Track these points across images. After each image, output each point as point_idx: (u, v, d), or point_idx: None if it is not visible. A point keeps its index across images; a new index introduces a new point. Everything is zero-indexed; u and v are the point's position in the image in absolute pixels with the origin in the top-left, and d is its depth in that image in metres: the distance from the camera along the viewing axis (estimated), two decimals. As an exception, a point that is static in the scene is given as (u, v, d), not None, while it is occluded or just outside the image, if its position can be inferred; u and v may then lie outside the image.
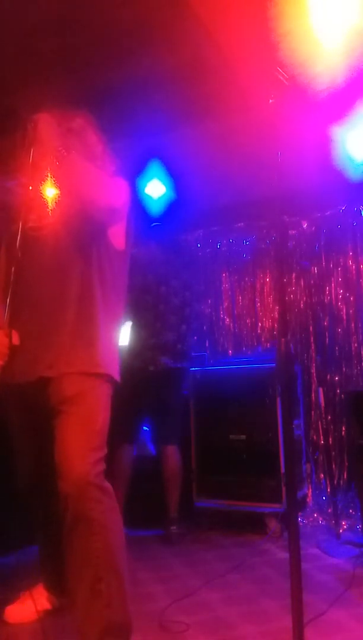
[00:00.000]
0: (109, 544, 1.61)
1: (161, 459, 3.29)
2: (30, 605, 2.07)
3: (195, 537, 3.26)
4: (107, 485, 1.67)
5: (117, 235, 1.93)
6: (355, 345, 3.91)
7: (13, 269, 1.74)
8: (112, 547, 1.62)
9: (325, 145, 3.34)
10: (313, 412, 3.88)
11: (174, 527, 3.19)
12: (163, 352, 3.30)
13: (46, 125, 1.79)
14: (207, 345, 4.48)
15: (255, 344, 4.30)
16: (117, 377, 1.87)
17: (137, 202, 3.57)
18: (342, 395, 3.82)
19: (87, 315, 1.82)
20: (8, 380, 1.76)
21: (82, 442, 1.66)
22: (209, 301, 4.53)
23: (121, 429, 3.01)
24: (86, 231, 1.83)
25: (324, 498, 3.63)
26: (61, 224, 1.83)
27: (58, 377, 1.75)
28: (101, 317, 1.84)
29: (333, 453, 3.77)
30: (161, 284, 3.40)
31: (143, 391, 3.22)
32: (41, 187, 1.83)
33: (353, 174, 3.66)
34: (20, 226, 1.76)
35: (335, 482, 3.62)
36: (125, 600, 1.62)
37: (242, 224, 4.45)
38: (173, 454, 3.28)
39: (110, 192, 1.84)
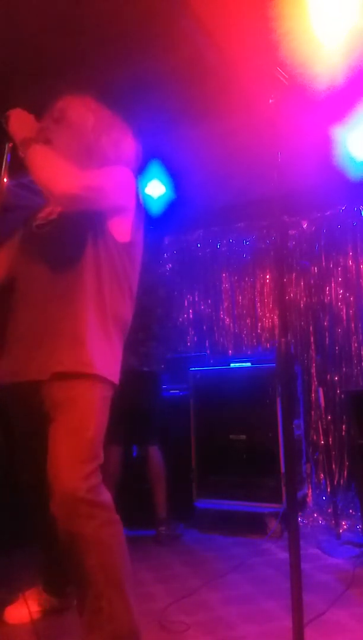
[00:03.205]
0: (105, 560, 1.56)
1: (144, 460, 3.27)
2: (29, 606, 2.08)
3: (195, 537, 3.26)
4: (103, 497, 1.61)
5: (121, 227, 1.83)
6: (355, 345, 3.91)
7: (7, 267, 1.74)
8: (110, 562, 1.57)
9: (325, 145, 3.34)
10: (313, 412, 3.88)
11: (163, 528, 3.18)
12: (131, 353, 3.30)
13: (16, 120, 1.76)
14: (207, 345, 4.49)
15: (255, 344, 4.30)
16: (113, 377, 1.76)
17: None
18: (342, 395, 3.82)
19: (73, 313, 1.72)
20: (8, 379, 1.76)
21: (71, 455, 1.59)
22: (209, 301, 4.53)
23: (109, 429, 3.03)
24: (77, 223, 1.77)
25: (324, 498, 3.63)
26: (59, 220, 1.80)
27: (49, 380, 1.68)
28: (90, 314, 1.73)
29: (333, 453, 3.77)
30: None
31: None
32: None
33: (353, 174, 3.66)
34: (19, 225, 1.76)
35: (335, 482, 3.62)
36: (129, 612, 1.57)
37: (242, 224, 4.45)
38: (154, 455, 3.26)
39: (71, 180, 1.70)
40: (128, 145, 1.93)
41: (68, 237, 1.80)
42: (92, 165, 1.82)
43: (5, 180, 1.77)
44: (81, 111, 1.87)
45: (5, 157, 1.76)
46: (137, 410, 3.30)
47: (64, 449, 1.60)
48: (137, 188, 1.90)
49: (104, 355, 1.73)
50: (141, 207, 1.91)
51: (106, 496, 1.62)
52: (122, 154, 1.90)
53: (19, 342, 1.76)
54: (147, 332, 3.39)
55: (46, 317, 1.74)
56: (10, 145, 1.76)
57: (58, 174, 1.70)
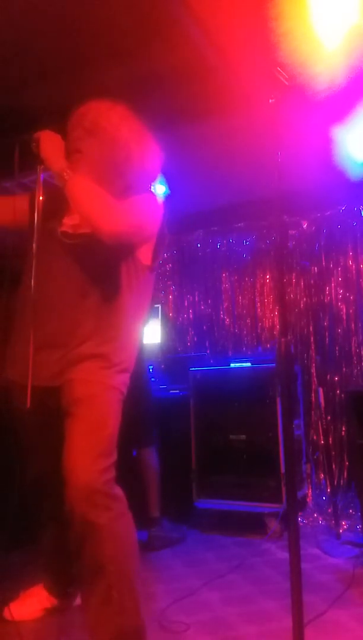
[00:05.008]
0: (119, 551, 1.60)
1: (138, 462, 3.21)
2: (30, 604, 2.08)
3: (195, 537, 3.26)
4: (117, 491, 1.65)
5: (146, 251, 1.88)
6: (355, 345, 3.91)
7: (33, 275, 1.74)
8: (122, 554, 1.60)
9: (325, 145, 3.34)
10: (313, 412, 3.88)
11: (154, 529, 3.09)
12: None
13: (47, 144, 1.75)
14: (207, 345, 4.49)
15: (255, 344, 4.30)
16: (125, 386, 1.84)
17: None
18: (342, 395, 3.82)
19: (109, 326, 1.78)
20: (25, 381, 1.75)
21: (90, 449, 1.63)
22: (209, 301, 4.53)
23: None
24: (111, 251, 1.79)
25: (324, 498, 3.63)
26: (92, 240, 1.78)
27: (70, 379, 1.73)
28: (124, 328, 1.80)
29: (333, 453, 3.77)
30: None
31: None
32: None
33: (353, 174, 3.66)
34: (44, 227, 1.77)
35: (335, 482, 3.62)
36: (137, 605, 1.60)
37: (242, 224, 4.45)
38: (146, 457, 3.21)
39: (116, 218, 1.75)
40: (154, 156, 1.94)
41: (102, 257, 1.80)
42: (119, 178, 1.86)
43: (41, 198, 1.78)
44: (115, 124, 1.85)
45: (38, 178, 1.77)
46: (128, 413, 3.28)
47: (85, 443, 1.64)
48: (163, 214, 1.91)
49: (126, 364, 1.82)
50: (164, 231, 1.93)
51: (119, 490, 1.66)
52: (148, 166, 1.92)
53: (42, 347, 1.75)
54: None
55: (74, 326, 1.76)
56: (42, 166, 1.76)
57: (104, 210, 1.72)
